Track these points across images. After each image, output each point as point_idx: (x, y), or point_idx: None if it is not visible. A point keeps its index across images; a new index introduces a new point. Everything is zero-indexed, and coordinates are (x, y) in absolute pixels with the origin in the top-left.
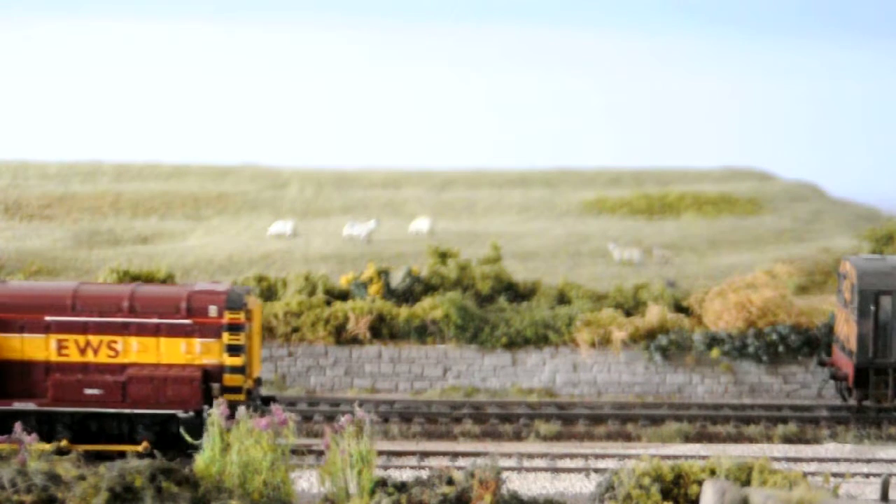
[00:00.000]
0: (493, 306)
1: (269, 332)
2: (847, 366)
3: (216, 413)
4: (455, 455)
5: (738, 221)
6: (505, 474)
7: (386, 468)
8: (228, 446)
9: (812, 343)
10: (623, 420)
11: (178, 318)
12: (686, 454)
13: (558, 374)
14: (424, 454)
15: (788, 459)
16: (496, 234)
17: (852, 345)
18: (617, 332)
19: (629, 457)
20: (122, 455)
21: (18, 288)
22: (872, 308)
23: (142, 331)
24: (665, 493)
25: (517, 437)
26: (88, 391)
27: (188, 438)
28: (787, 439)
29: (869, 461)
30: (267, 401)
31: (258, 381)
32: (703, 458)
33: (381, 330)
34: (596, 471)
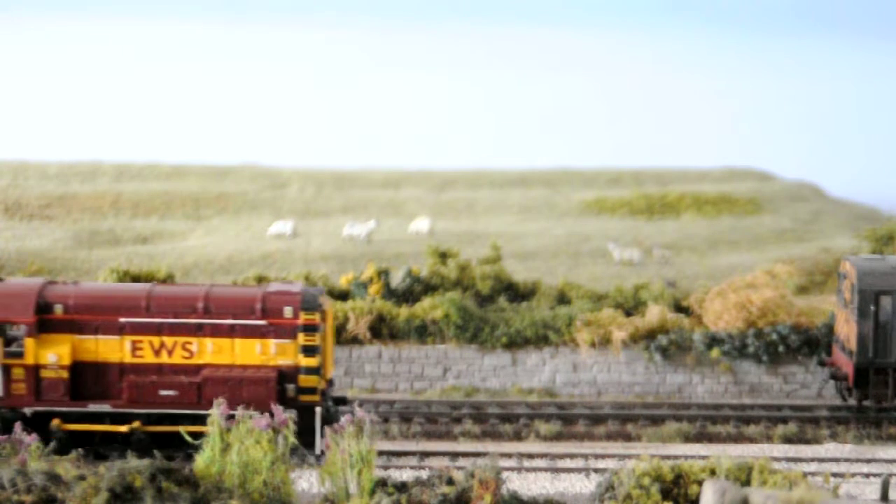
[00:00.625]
0: (493, 306)
1: None
2: (847, 366)
3: (216, 413)
4: (455, 455)
5: (737, 221)
6: (505, 474)
7: (386, 468)
8: (228, 446)
9: (812, 343)
10: (623, 420)
11: (252, 318)
12: (686, 454)
13: (558, 374)
14: (424, 454)
15: (788, 459)
16: (496, 234)
17: (852, 345)
18: (617, 332)
19: (629, 457)
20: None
21: (93, 289)
22: (872, 308)
23: (216, 332)
24: (665, 493)
25: (517, 437)
26: (163, 392)
27: (188, 439)
28: (787, 439)
29: (869, 461)
30: (339, 401)
31: (330, 383)
32: (703, 458)
33: (381, 330)
34: (596, 471)
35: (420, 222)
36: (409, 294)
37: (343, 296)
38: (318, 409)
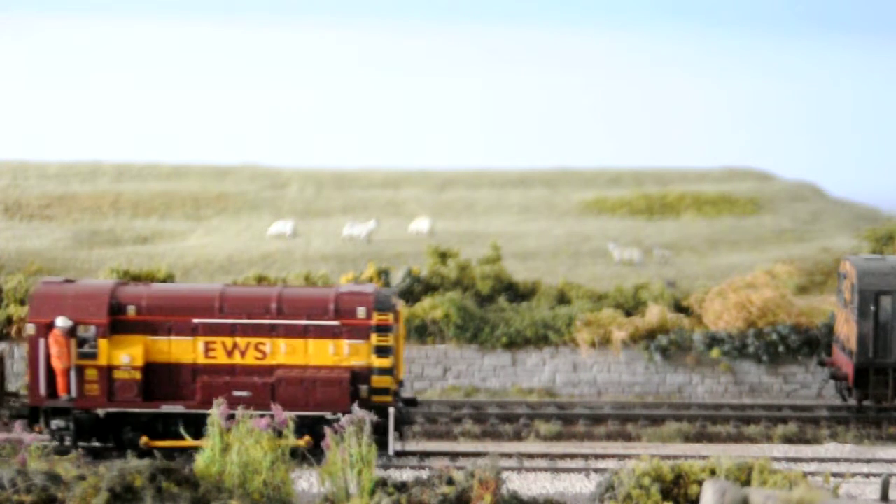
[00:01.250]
0: (493, 306)
1: None
2: (847, 366)
3: (216, 413)
4: (455, 455)
5: (737, 221)
6: (505, 474)
7: (386, 468)
8: (228, 446)
9: (812, 343)
10: (623, 420)
11: (326, 319)
12: (686, 454)
13: (558, 374)
14: (424, 454)
15: (788, 459)
16: (496, 234)
17: (852, 345)
18: (617, 332)
19: (629, 457)
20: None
21: (165, 290)
22: (872, 308)
23: (290, 332)
24: (665, 493)
25: (517, 437)
26: (237, 393)
27: (188, 438)
28: (787, 439)
29: (869, 461)
30: (409, 403)
31: (401, 384)
32: (703, 458)
33: None
34: (596, 471)
35: (420, 222)
36: (409, 294)
37: None
38: (391, 410)
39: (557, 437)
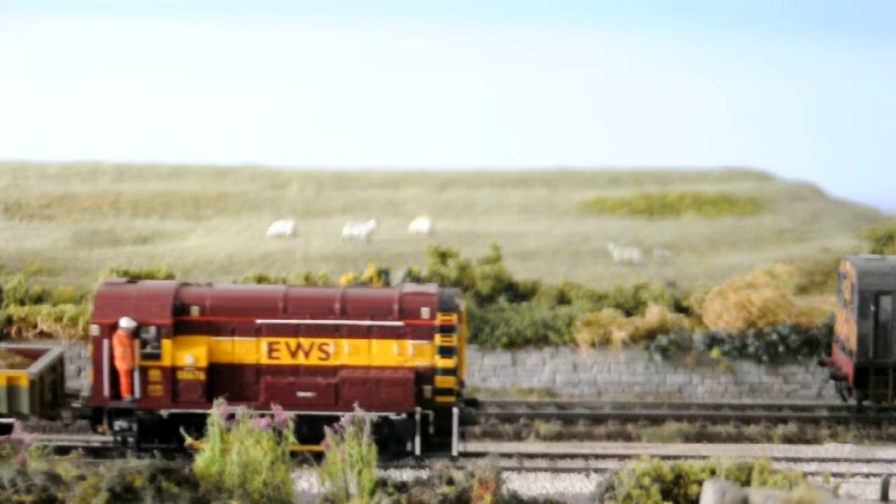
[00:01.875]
0: (493, 306)
1: None
2: (847, 366)
3: (216, 413)
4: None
5: (738, 221)
6: (505, 474)
7: (386, 468)
8: (228, 446)
9: (812, 343)
10: (623, 420)
11: (390, 319)
12: (686, 454)
13: (558, 374)
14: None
15: (788, 459)
16: (496, 234)
17: (852, 345)
18: (617, 332)
19: (629, 457)
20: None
21: (228, 290)
22: (872, 308)
23: (353, 333)
24: (665, 493)
25: (517, 437)
26: (301, 394)
27: (188, 438)
28: (787, 439)
29: (869, 461)
30: (470, 403)
31: (461, 384)
32: (703, 458)
33: None
34: (596, 471)
35: (420, 222)
36: None
37: None
38: (455, 411)
39: (557, 437)
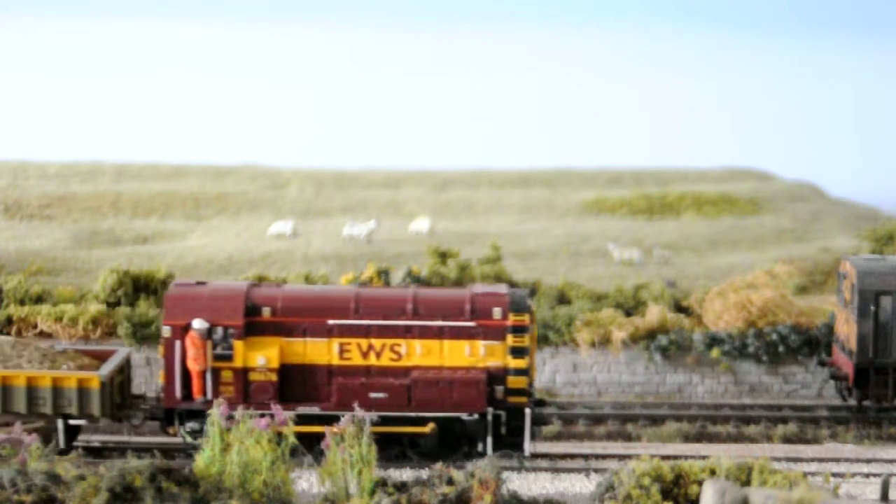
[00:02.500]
0: None
1: None
2: (847, 366)
3: (216, 413)
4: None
5: (738, 221)
6: (505, 474)
7: (386, 468)
8: (228, 446)
9: (812, 343)
10: (623, 420)
11: (461, 320)
12: (686, 454)
13: (558, 374)
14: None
15: (788, 459)
16: (496, 234)
17: (852, 345)
18: (617, 332)
19: (629, 457)
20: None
21: (299, 291)
22: (872, 308)
23: (425, 333)
24: (665, 493)
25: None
26: (373, 395)
27: (188, 438)
28: (787, 439)
29: (869, 461)
30: (538, 404)
31: (531, 384)
32: (703, 458)
33: None
34: (596, 471)
35: (420, 222)
36: None
37: None
38: (527, 411)
39: (557, 437)
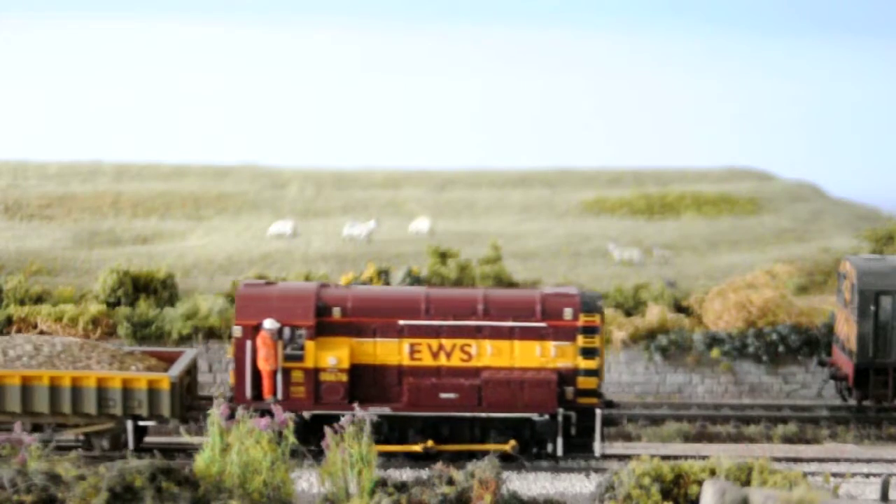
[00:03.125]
0: None
1: None
2: (847, 366)
3: (216, 413)
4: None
5: (737, 221)
6: (505, 474)
7: (386, 468)
8: (228, 446)
9: (812, 343)
10: (623, 420)
11: (532, 321)
12: (686, 454)
13: None
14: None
15: (788, 459)
16: (496, 234)
17: (852, 345)
18: (617, 332)
19: (629, 457)
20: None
21: (369, 292)
22: (872, 308)
23: (495, 334)
24: (665, 493)
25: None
26: (444, 395)
27: (187, 437)
28: (787, 439)
29: (869, 461)
30: (608, 405)
31: (600, 385)
32: (703, 458)
33: None
34: (596, 471)
35: (420, 222)
36: None
37: None
38: (598, 411)
39: None
